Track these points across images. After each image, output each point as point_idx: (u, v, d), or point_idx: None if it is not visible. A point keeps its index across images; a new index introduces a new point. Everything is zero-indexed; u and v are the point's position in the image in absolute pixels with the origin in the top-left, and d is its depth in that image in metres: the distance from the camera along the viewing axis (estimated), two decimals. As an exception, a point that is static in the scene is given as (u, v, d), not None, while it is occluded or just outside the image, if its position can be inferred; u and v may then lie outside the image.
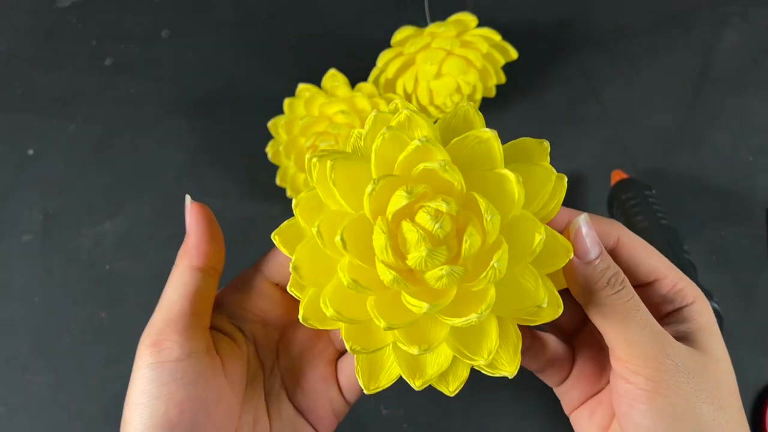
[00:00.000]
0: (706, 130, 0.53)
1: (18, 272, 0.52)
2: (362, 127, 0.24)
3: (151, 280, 0.50)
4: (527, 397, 0.47)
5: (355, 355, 0.25)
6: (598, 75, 0.55)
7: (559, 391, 0.30)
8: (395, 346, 0.24)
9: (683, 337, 0.26)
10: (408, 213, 0.23)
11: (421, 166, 0.22)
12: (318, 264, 0.23)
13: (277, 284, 0.29)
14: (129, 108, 0.55)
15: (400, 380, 0.25)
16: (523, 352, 0.26)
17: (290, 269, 0.23)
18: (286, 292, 0.25)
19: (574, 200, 0.52)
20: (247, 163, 0.53)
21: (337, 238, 0.21)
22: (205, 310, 0.27)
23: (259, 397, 0.28)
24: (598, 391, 0.29)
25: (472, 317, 0.21)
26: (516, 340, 0.24)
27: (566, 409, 0.30)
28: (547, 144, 0.24)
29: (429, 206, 0.22)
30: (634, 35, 0.56)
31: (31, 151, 0.54)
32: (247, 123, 0.53)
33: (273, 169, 0.51)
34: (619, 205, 0.48)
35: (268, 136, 0.50)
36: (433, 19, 0.51)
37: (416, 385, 0.24)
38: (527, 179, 0.23)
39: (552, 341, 0.29)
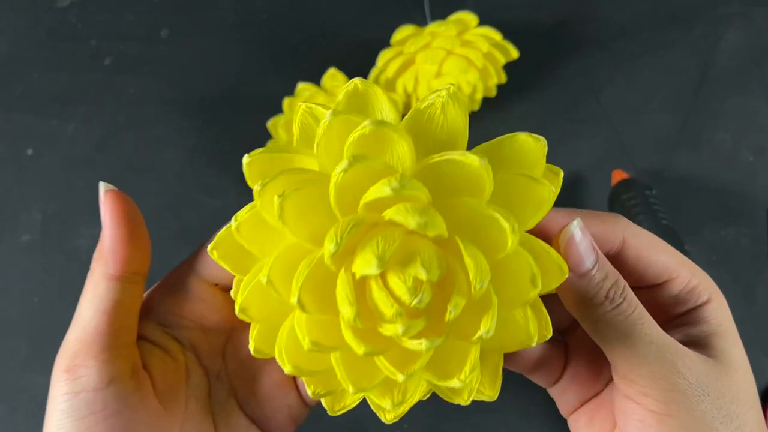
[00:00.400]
0: (706, 130, 0.53)
1: (17, 272, 0.51)
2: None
3: (150, 280, 0.50)
4: (527, 397, 0.47)
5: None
6: (599, 75, 0.55)
7: (552, 392, 0.27)
8: (368, 397, 0.21)
9: (696, 343, 0.23)
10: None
11: (395, 219, 0.18)
12: (270, 302, 0.20)
13: (217, 284, 0.25)
14: (128, 108, 0.55)
15: None
16: (507, 356, 0.24)
17: (236, 313, 0.20)
18: (228, 292, 0.22)
19: (574, 200, 0.52)
20: (247, 163, 0.53)
21: (294, 300, 0.18)
22: (127, 324, 0.23)
23: (204, 411, 0.25)
24: (597, 394, 0.26)
25: (455, 383, 0.19)
26: (497, 360, 0.22)
27: (562, 412, 0.27)
28: (544, 142, 0.20)
29: (406, 273, 0.18)
30: (635, 35, 0.56)
31: (30, 151, 0.54)
32: (247, 122, 0.53)
33: (273, 168, 0.50)
34: (620, 205, 0.48)
35: (268, 136, 0.50)
36: (434, 18, 0.51)
37: (387, 419, 0.21)
38: (518, 198, 0.19)
39: (542, 347, 0.26)
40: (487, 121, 0.52)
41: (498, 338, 0.20)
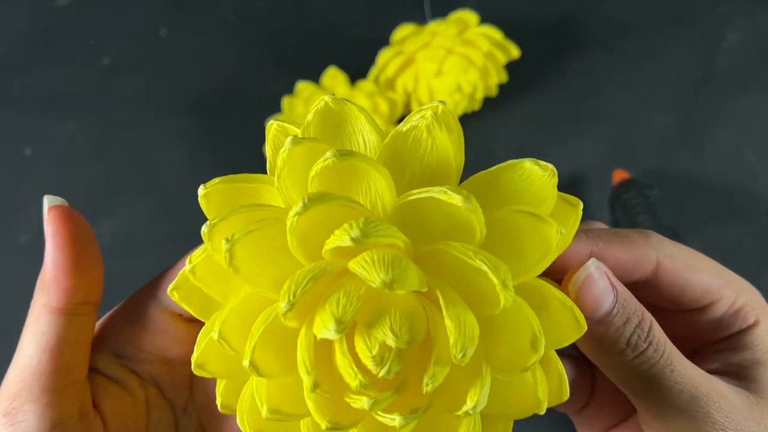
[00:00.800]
0: (708, 129, 0.53)
1: (16, 272, 0.51)
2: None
3: (149, 280, 0.50)
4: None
5: None
6: (600, 74, 0.55)
7: (575, 419, 0.25)
8: None
9: (736, 373, 0.20)
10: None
11: (358, 273, 0.15)
12: (230, 358, 0.18)
13: (181, 315, 0.22)
14: (127, 107, 0.55)
15: None
16: None
17: (193, 370, 0.18)
18: (193, 322, 0.19)
19: (575, 200, 0.51)
20: (246, 162, 0.53)
21: (246, 363, 0.16)
22: (75, 360, 0.20)
23: None
24: (622, 421, 0.23)
25: None
26: (505, 428, 0.18)
27: None
28: (553, 171, 0.17)
29: (372, 337, 0.15)
30: (636, 34, 0.56)
31: (28, 151, 0.54)
32: (247, 122, 0.53)
33: (272, 168, 0.50)
34: (621, 205, 0.48)
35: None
36: (434, 17, 0.50)
37: None
38: (522, 239, 0.16)
39: (567, 370, 0.23)
40: (488, 120, 0.52)
41: (500, 404, 0.17)
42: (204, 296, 0.18)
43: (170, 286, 0.19)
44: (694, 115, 0.54)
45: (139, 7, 0.58)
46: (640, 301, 0.19)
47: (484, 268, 0.15)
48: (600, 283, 0.18)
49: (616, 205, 0.49)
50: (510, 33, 0.49)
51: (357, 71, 0.50)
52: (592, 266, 0.18)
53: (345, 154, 0.15)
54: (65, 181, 0.53)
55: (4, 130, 0.55)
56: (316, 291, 0.15)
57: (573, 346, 0.21)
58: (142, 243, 0.51)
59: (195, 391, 0.23)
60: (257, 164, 0.52)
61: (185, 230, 0.53)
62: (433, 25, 0.49)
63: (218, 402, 0.19)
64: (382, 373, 0.15)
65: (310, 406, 0.16)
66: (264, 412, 0.16)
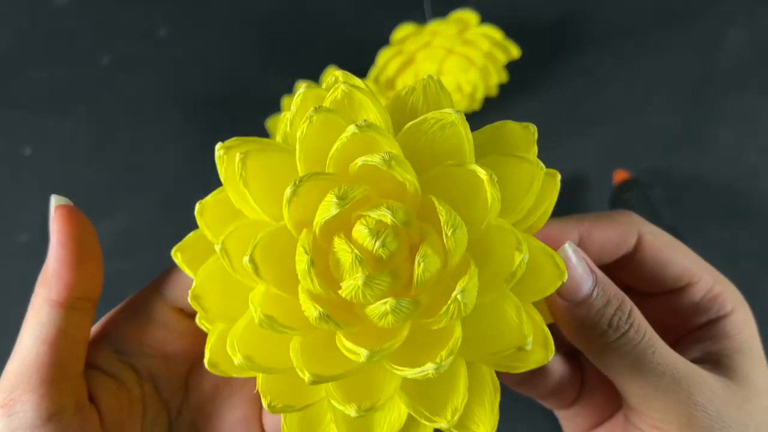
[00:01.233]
0: (709, 129, 0.53)
1: (16, 273, 0.51)
2: None
3: (149, 280, 0.50)
4: (527, 398, 0.46)
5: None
6: (601, 73, 0.55)
7: (562, 415, 0.25)
8: (329, 401, 0.18)
9: (716, 361, 0.21)
10: (343, 225, 0.17)
11: (359, 162, 0.16)
12: (227, 292, 0.18)
13: (182, 309, 0.23)
14: (127, 107, 0.55)
15: None
16: (520, 384, 0.22)
17: (189, 299, 0.18)
18: (193, 318, 0.20)
19: (575, 200, 0.51)
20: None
21: (246, 260, 0.16)
22: (73, 354, 0.21)
23: None
24: (608, 418, 0.24)
25: (429, 368, 0.16)
26: (492, 391, 0.18)
27: None
28: (533, 128, 0.19)
29: (369, 216, 0.16)
30: (637, 33, 0.56)
31: (28, 150, 0.54)
32: (247, 121, 0.53)
33: (272, 168, 0.50)
34: (622, 205, 0.48)
35: (267, 135, 0.50)
36: (434, 17, 0.50)
37: None
38: (506, 177, 0.17)
39: (555, 366, 0.24)
40: (488, 120, 0.52)
41: (486, 342, 0.17)
42: (204, 260, 0.19)
43: (174, 248, 0.19)
44: (695, 115, 0.54)
45: (138, 7, 0.58)
46: (623, 280, 0.20)
47: (473, 167, 0.16)
48: (579, 267, 0.19)
49: (616, 205, 0.49)
50: (510, 33, 0.49)
51: (357, 71, 0.50)
52: (570, 248, 0.19)
53: (369, 127, 0.16)
54: (65, 181, 0.53)
55: (3, 129, 0.55)
56: (316, 192, 0.16)
57: (561, 342, 0.22)
58: (141, 243, 0.51)
59: (190, 390, 0.24)
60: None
61: (185, 230, 0.53)
62: (434, 25, 0.49)
63: (206, 359, 0.19)
64: (377, 245, 0.16)
65: (303, 299, 0.16)
66: (258, 316, 0.16)
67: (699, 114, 0.54)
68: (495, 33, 0.48)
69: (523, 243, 0.17)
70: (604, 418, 0.24)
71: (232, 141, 0.18)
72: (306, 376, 0.16)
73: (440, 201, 0.16)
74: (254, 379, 0.20)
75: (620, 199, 0.48)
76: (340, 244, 0.16)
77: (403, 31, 0.49)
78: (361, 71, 0.50)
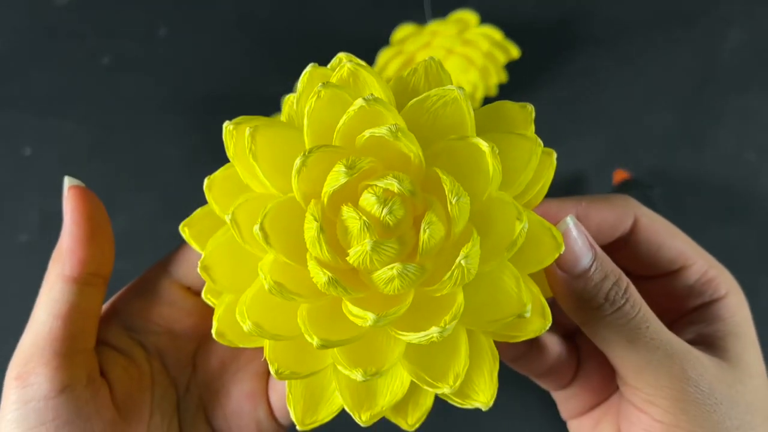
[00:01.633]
0: (709, 129, 0.53)
1: (15, 273, 0.51)
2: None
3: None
4: (527, 398, 0.46)
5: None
6: (601, 73, 0.55)
7: (558, 396, 0.26)
8: (335, 368, 0.18)
9: (710, 343, 0.21)
10: (350, 195, 0.18)
11: (366, 134, 0.17)
12: (236, 263, 0.19)
13: (190, 288, 0.24)
14: (127, 107, 0.55)
15: None
16: (517, 360, 0.23)
17: (198, 270, 0.18)
18: (201, 296, 0.20)
19: (575, 200, 0.51)
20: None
21: (256, 228, 0.16)
22: (85, 329, 0.22)
23: (170, 424, 0.23)
24: (605, 399, 0.24)
25: (433, 332, 0.16)
26: (492, 360, 0.19)
27: (564, 415, 0.26)
28: (531, 108, 0.19)
29: (376, 185, 0.17)
30: (637, 33, 0.56)
31: (28, 151, 0.54)
32: (247, 122, 0.53)
33: (272, 168, 0.50)
34: (622, 205, 0.48)
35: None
36: (434, 17, 0.50)
37: (363, 419, 0.19)
38: (506, 152, 0.18)
39: (552, 345, 0.24)
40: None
41: (486, 310, 0.18)
42: (211, 235, 0.19)
43: (182, 223, 0.20)
44: (696, 115, 0.54)
45: (138, 7, 0.58)
46: (619, 263, 0.21)
47: (476, 140, 0.17)
48: (579, 241, 0.19)
49: (616, 205, 0.49)
50: (510, 33, 0.49)
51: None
52: (571, 222, 0.19)
53: (375, 101, 0.17)
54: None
55: (3, 129, 0.55)
56: (324, 163, 0.17)
57: (559, 323, 0.23)
58: (142, 242, 0.51)
59: (198, 368, 0.25)
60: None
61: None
62: (433, 25, 0.49)
63: (213, 329, 0.19)
64: (384, 212, 0.17)
65: (311, 266, 0.17)
66: (268, 283, 0.17)
67: (699, 114, 0.54)
68: (495, 33, 0.48)
69: (523, 213, 0.17)
70: (600, 400, 0.24)
71: (240, 118, 0.19)
72: (314, 341, 0.17)
73: (444, 171, 0.17)
74: (260, 356, 0.21)
75: (620, 199, 0.48)
76: (348, 212, 0.17)
77: (403, 31, 0.49)
78: (361, 71, 0.50)
